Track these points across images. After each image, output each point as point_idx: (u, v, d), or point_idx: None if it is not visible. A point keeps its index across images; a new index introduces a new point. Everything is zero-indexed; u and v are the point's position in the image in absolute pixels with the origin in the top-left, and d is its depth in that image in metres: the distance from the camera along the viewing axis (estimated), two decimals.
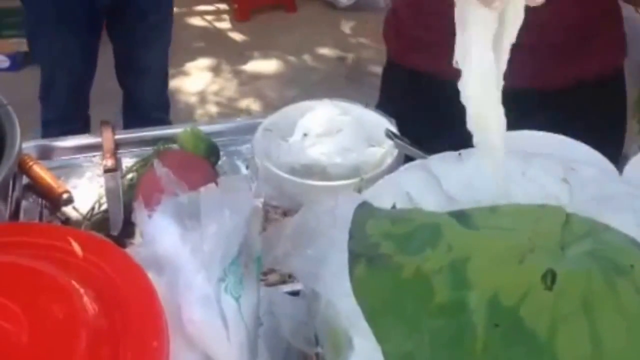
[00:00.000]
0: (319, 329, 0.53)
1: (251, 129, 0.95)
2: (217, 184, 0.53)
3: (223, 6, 3.43)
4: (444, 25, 0.53)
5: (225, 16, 3.38)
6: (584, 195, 0.61)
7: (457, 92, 0.52)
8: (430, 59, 0.93)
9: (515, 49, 0.52)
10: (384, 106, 1.00)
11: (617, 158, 0.96)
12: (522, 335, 0.40)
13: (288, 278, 0.69)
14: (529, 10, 0.51)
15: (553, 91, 0.93)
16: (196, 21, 3.33)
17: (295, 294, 0.62)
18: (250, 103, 2.80)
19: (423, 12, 0.97)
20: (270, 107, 2.67)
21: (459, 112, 0.53)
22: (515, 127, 0.60)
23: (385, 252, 0.48)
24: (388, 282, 0.46)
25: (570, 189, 0.63)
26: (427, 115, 0.96)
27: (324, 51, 3.16)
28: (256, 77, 2.95)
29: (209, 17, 3.37)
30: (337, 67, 3.02)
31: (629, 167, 0.77)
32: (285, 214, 0.76)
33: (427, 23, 0.95)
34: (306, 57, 3.11)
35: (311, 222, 0.58)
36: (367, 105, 0.95)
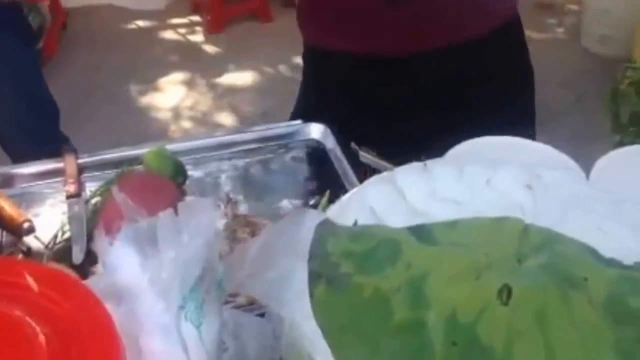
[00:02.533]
0: (285, 351, 0.53)
1: (228, 145, 0.94)
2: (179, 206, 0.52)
3: (196, 19, 3.42)
4: None
5: (199, 29, 3.37)
6: (547, 201, 0.61)
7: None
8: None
9: None
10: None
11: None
12: (479, 353, 0.39)
13: (257, 299, 0.68)
14: None
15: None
16: (169, 35, 3.32)
17: (264, 315, 0.61)
18: (226, 117, 2.79)
19: None
20: (247, 120, 2.67)
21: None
22: None
23: (345, 271, 0.47)
24: (348, 302, 0.46)
25: (534, 196, 0.62)
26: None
27: (300, 61, 3.16)
28: (232, 90, 2.94)
29: (182, 31, 3.36)
30: None
31: (596, 169, 0.77)
32: (253, 233, 0.75)
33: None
34: (282, 68, 3.11)
35: (274, 242, 0.57)
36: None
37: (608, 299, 0.41)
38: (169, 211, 0.51)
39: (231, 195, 0.89)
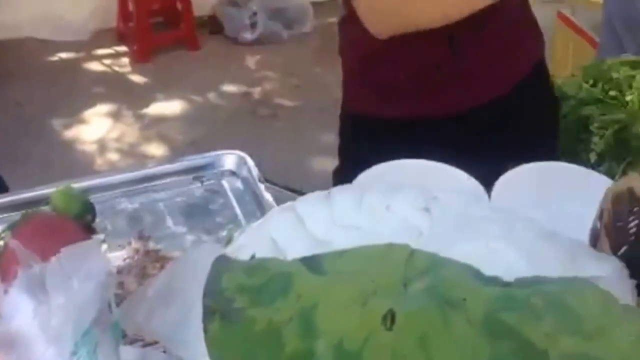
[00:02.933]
0: None
1: (141, 180, 0.93)
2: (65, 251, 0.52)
3: (122, 48, 3.38)
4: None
5: (125, 59, 3.33)
6: (443, 224, 0.63)
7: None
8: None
9: None
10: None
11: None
12: None
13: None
14: None
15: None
16: (94, 66, 3.27)
17: None
18: (154, 147, 2.76)
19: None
20: (177, 150, 2.64)
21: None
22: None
23: (239, 306, 0.48)
24: (242, 336, 0.46)
25: (431, 219, 0.64)
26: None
27: (230, 88, 3.16)
28: (160, 119, 2.91)
29: (107, 61, 3.31)
30: (244, 104, 3.02)
31: (497, 188, 0.80)
32: (164, 269, 0.75)
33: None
34: (211, 96, 3.10)
35: (174, 280, 0.57)
36: None
37: (485, 317, 0.43)
38: (59, 256, 0.51)
39: (144, 231, 0.88)
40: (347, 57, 1.10)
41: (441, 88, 1.02)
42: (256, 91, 3.13)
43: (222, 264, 0.53)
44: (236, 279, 0.50)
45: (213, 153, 1.03)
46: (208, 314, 0.49)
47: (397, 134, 1.05)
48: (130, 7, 3.30)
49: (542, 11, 1.25)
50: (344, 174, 1.05)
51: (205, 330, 0.48)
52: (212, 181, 0.99)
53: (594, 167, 1.28)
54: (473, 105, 1.03)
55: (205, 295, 0.50)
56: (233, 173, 1.00)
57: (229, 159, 1.01)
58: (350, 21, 1.03)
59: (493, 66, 1.02)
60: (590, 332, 0.44)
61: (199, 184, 0.99)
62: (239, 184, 0.98)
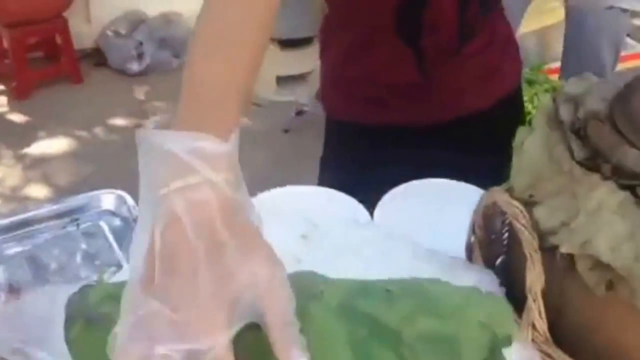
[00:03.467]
0: None
1: (34, 221, 0.88)
2: None
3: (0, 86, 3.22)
4: None
5: (3, 97, 3.16)
6: (321, 250, 0.62)
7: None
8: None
9: None
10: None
11: None
12: None
13: None
14: None
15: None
16: None
17: None
18: (38, 189, 2.62)
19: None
20: (64, 190, 2.53)
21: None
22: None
23: (105, 310, 0.49)
24: (104, 337, 0.45)
25: (308, 245, 0.63)
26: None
27: (118, 121, 3.06)
28: (43, 159, 2.77)
29: None
30: (134, 137, 2.92)
31: (378, 210, 0.80)
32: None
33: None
34: (98, 130, 2.99)
35: (29, 306, 0.55)
36: None
37: (340, 304, 0.48)
38: None
39: (16, 281, 0.82)
40: (325, 63, 1.10)
41: (412, 102, 1.02)
42: (147, 123, 3.04)
43: (88, 287, 0.53)
44: (104, 291, 0.51)
45: (90, 193, 0.99)
46: (70, 321, 0.50)
47: (371, 140, 1.05)
48: (5, 43, 3.15)
49: None
50: (323, 180, 1.08)
51: (67, 338, 0.49)
52: (88, 223, 0.94)
53: None
54: (448, 117, 1.03)
55: (67, 306, 0.51)
56: (112, 213, 0.96)
57: (107, 199, 0.97)
58: (328, 28, 1.05)
59: (466, 90, 1.03)
60: (445, 313, 0.48)
61: (75, 227, 0.94)
62: (117, 223, 0.94)
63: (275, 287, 0.44)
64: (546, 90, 1.70)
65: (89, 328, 0.49)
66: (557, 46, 2.17)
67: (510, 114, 1.09)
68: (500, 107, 1.05)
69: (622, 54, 2.16)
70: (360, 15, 0.98)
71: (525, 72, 1.69)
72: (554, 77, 2.05)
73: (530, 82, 1.48)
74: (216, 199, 0.46)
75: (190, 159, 0.46)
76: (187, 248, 0.44)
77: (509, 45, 1.07)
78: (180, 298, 0.43)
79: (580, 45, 1.96)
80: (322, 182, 1.07)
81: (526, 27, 2.10)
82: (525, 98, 1.41)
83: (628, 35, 2.31)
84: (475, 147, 1.03)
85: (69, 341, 0.49)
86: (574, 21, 2.01)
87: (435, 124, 1.02)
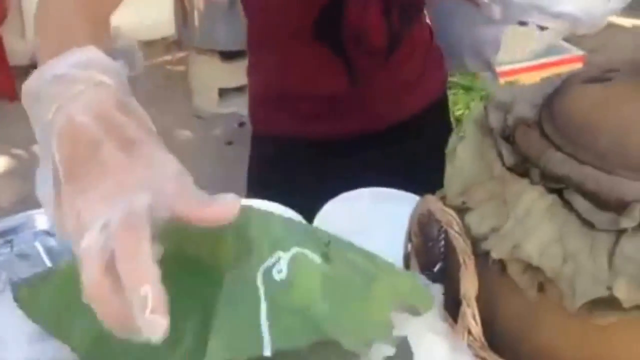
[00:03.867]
0: None
1: None
2: None
3: None
4: None
5: None
6: None
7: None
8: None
9: None
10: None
11: None
12: None
13: None
14: None
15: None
16: None
17: None
18: None
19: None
20: (3, 210, 2.45)
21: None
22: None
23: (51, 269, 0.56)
24: (52, 287, 0.52)
25: None
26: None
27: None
28: None
29: None
30: None
31: (316, 221, 0.80)
32: None
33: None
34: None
35: None
36: None
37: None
38: None
39: None
40: (252, 79, 1.10)
41: (343, 113, 1.02)
42: None
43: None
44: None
45: (25, 213, 0.96)
46: (16, 287, 0.57)
47: (303, 153, 1.05)
48: None
49: None
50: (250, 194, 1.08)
51: (17, 300, 0.57)
52: (22, 245, 0.91)
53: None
54: (379, 127, 1.03)
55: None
56: (47, 233, 0.93)
57: (42, 218, 0.94)
58: (252, 42, 1.05)
59: (395, 98, 1.03)
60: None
61: (9, 249, 0.91)
62: (53, 244, 0.91)
63: (185, 182, 0.42)
64: (481, 98, 1.74)
65: (35, 286, 0.57)
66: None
67: (437, 120, 1.11)
68: (428, 115, 1.07)
69: (559, 57, 2.22)
70: (280, 28, 0.98)
71: (462, 78, 1.72)
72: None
73: (467, 89, 1.51)
74: (109, 98, 0.44)
75: (70, 71, 0.45)
76: (85, 133, 0.42)
77: (431, 53, 1.09)
78: (91, 177, 0.41)
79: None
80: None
81: None
82: (461, 105, 1.44)
83: (564, 39, 2.37)
84: (408, 154, 1.04)
85: (19, 303, 0.57)
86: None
87: (365, 134, 1.03)
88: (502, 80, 2.08)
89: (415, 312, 0.53)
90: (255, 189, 1.11)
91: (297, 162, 1.05)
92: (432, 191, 0.64)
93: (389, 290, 0.51)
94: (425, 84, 1.07)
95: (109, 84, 0.45)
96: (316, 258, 0.48)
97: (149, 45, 3.41)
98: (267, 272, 0.46)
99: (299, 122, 1.03)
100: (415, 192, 0.80)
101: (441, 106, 1.13)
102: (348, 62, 0.97)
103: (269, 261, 0.46)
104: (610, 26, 3.35)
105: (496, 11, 0.68)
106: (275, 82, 1.03)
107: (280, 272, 0.46)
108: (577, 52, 2.24)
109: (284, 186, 1.02)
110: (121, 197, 0.40)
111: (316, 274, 0.47)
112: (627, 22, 3.25)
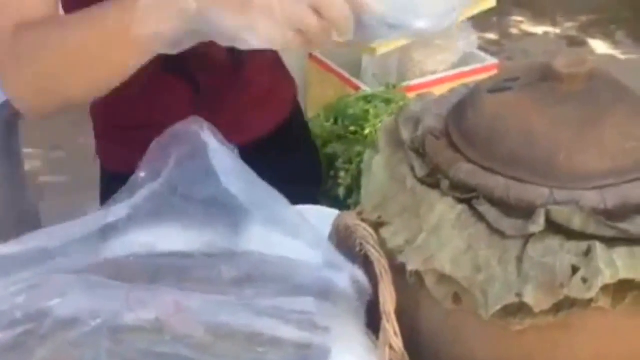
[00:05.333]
0: None
1: None
2: None
3: None
4: None
5: None
6: None
7: None
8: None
9: None
10: None
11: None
12: None
13: None
14: None
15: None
16: None
17: None
18: None
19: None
20: None
21: None
22: None
23: None
24: None
25: None
26: None
27: None
28: None
29: None
30: None
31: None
32: None
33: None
34: None
35: None
36: None
37: None
38: None
39: None
40: (95, 115, 1.05)
41: None
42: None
43: None
44: None
45: None
46: None
47: None
48: None
49: (292, 54, 1.28)
50: None
51: None
52: None
53: (344, 200, 1.35)
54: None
55: None
56: None
57: None
58: None
59: (244, 119, 1.01)
60: None
61: None
62: None
63: None
64: (401, 109, 1.75)
65: None
66: (418, 63, 2.24)
67: (290, 137, 1.10)
68: (281, 132, 1.07)
69: (473, 67, 2.26)
70: None
71: (383, 90, 1.73)
72: (412, 94, 2.12)
73: (387, 101, 1.52)
74: None
75: None
76: None
77: (277, 69, 1.09)
78: None
79: None
80: None
81: (387, 46, 2.15)
82: (383, 117, 1.44)
83: (479, 48, 2.41)
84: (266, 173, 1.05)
85: None
86: None
87: None
88: (414, 95, 2.09)
89: None
90: None
91: None
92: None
93: None
94: (276, 102, 1.07)
95: None
96: None
97: None
98: None
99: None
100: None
101: (294, 123, 1.12)
102: (195, 86, 0.95)
103: None
104: (526, 34, 3.46)
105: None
106: (121, 115, 1.00)
107: None
108: (492, 60, 2.29)
109: None
110: None
111: None
112: (540, 29, 3.38)
